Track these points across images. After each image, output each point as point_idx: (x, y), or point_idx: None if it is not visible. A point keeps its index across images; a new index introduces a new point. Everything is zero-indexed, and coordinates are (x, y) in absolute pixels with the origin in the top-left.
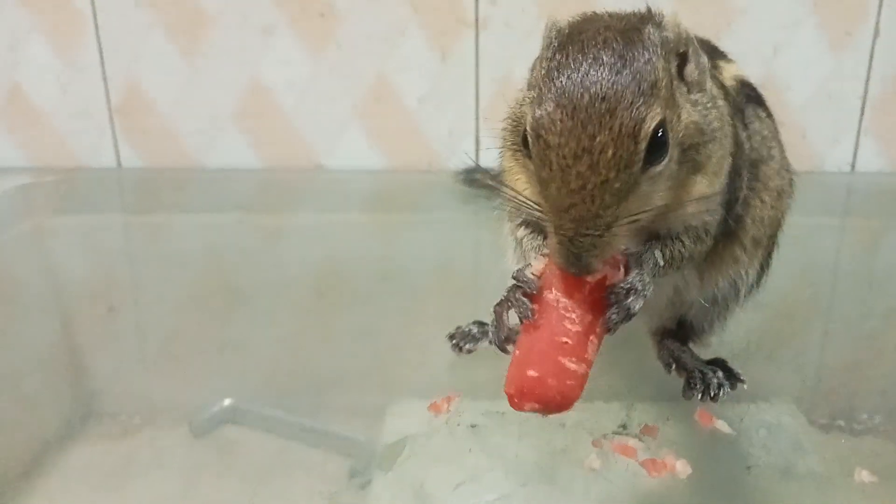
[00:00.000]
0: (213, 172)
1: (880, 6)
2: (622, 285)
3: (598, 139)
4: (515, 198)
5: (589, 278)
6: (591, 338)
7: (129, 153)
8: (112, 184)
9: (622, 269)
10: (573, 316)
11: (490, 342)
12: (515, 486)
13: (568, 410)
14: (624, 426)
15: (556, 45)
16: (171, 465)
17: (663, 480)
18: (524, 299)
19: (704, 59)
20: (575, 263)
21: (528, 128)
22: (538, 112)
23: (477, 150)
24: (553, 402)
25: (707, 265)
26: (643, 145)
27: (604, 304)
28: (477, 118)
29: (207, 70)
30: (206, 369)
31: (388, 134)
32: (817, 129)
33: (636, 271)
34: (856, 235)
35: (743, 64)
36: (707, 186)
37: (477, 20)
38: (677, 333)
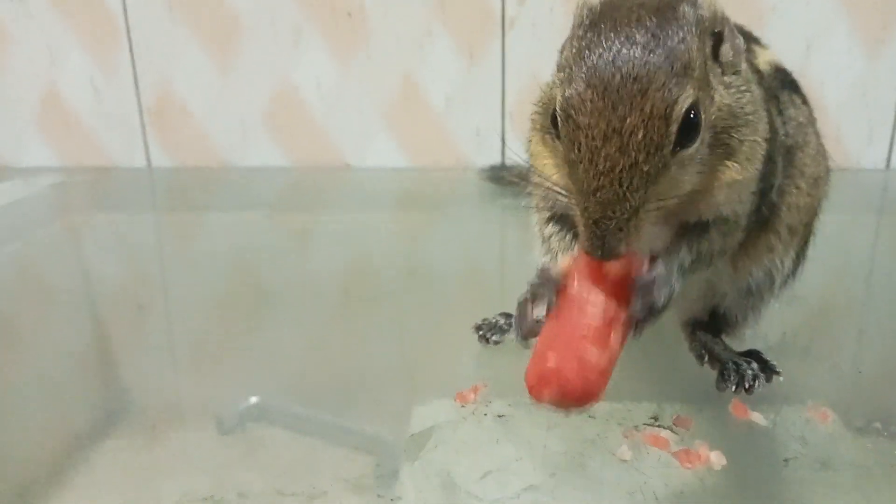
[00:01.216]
0: (243, 172)
1: None
2: (646, 277)
3: (628, 120)
4: (543, 183)
5: (613, 270)
6: (615, 327)
7: (159, 154)
8: (143, 183)
9: (646, 263)
10: (596, 303)
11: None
12: (544, 475)
13: (588, 404)
14: (656, 418)
15: (587, 23)
16: (199, 462)
17: (697, 472)
18: (549, 288)
19: (740, 41)
20: (600, 246)
21: (557, 108)
22: (568, 92)
23: (503, 149)
24: (572, 389)
25: (741, 254)
26: (674, 127)
27: (629, 297)
28: (503, 117)
29: (238, 72)
30: (233, 367)
31: (416, 134)
32: (852, 128)
33: (662, 264)
34: (892, 233)
35: None
36: (739, 172)
37: (504, 20)
38: (710, 325)
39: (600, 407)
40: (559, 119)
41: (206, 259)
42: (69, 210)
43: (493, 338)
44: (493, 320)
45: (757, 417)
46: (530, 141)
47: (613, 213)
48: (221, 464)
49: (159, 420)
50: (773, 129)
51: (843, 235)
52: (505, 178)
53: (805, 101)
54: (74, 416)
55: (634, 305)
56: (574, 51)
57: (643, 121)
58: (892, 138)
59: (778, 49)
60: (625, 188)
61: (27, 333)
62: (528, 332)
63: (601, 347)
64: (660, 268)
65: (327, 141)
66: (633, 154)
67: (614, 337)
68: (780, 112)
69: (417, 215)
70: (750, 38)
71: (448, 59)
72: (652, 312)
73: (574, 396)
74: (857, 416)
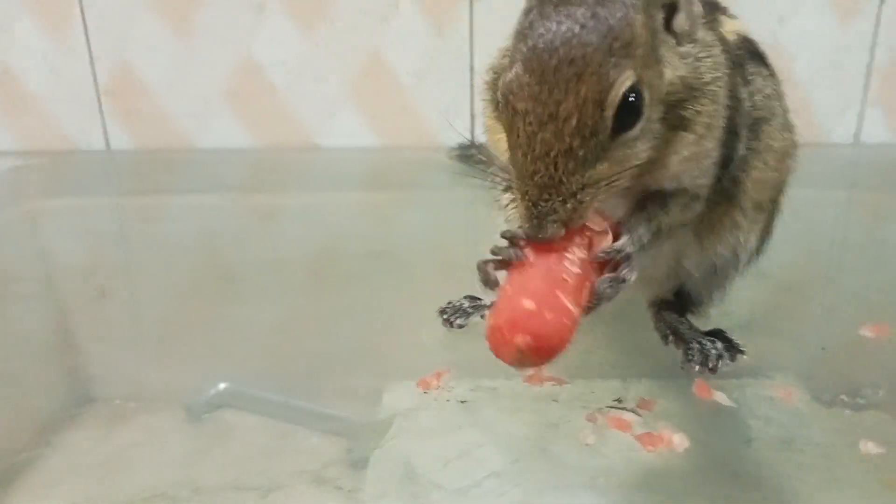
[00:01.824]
0: (205, 153)
1: None
2: (616, 248)
3: (563, 106)
4: (496, 159)
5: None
6: (585, 283)
7: (119, 135)
8: (103, 166)
9: (610, 235)
10: (574, 258)
11: (482, 316)
12: (507, 462)
13: (553, 357)
14: (619, 400)
15: (534, 1)
16: (168, 449)
17: (660, 454)
18: (512, 246)
19: (697, 7)
20: (537, 229)
21: (499, 92)
22: (509, 75)
23: (472, 126)
24: (546, 339)
25: (706, 231)
26: (610, 112)
27: (594, 265)
28: (472, 94)
29: (198, 49)
30: (201, 352)
31: (383, 111)
32: (823, 101)
33: (626, 237)
34: (861, 208)
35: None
36: (696, 143)
37: None
38: (675, 304)
39: (564, 390)
40: (500, 103)
41: (171, 243)
42: (27, 195)
43: (458, 321)
44: (458, 303)
45: (720, 397)
46: (485, 113)
47: (550, 196)
48: (190, 451)
49: (126, 408)
50: (737, 99)
51: (813, 211)
52: (474, 157)
53: (772, 74)
54: (36, 405)
55: (602, 282)
56: (518, 29)
57: (577, 106)
58: (861, 112)
59: (750, 21)
60: (560, 173)
61: None
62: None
63: (576, 299)
64: (625, 241)
65: (292, 119)
66: (568, 140)
67: (584, 291)
68: (747, 83)
69: (385, 196)
70: (717, 8)
71: (415, 33)
72: (617, 289)
73: (546, 342)
74: (825, 390)
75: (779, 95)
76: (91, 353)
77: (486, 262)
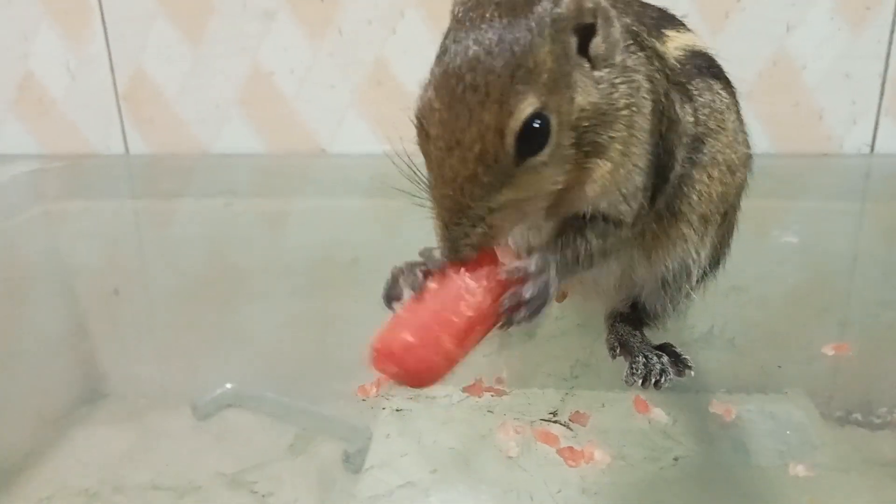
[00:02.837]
0: (218, 158)
1: None
2: (517, 265)
3: (467, 133)
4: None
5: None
6: (477, 327)
7: (136, 140)
8: (120, 170)
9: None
10: (471, 300)
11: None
12: (424, 472)
13: (420, 387)
14: (555, 413)
15: (453, 22)
16: (175, 446)
17: (581, 470)
18: (418, 273)
19: (615, 31)
20: (450, 250)
21: (415, 113)
22: (423, 98)
23: None
24: (413, 374)
25: (654, 244)
26: (511, 139)
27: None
28: None
29: (211, 57)
30: (209, 353)
31: (389, 118)
32: (834, 110)
33: (534, 258)
34: (875, 220)
35: (755, 42)
36: (611, 170)
37: None
38: (631, 317)
39: (501, 401)
40: (415, 126)
41: (183, 246)
42: (46, 197)
43: None
44: None
45: (658, 414)
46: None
47: (459, 220)
48: (196, 449)
49: (136, 405)
50: (671, 119)
51: (825, 224)
52: None
53: (727, 86)
54: (49, 401)
55: (503, 301)
56: (438, 52)
57: (480, 133)
58: (876, 121)
59: (757, 29)
60: (467, 198)
61: (3, 319)
62: (395, 296)
63: (459, 340)
64: (534, 259)
65: (301, 126)
66: (472, 166)
67: (475, 333)
68: (691, 99)
69: (391, 202)
70: (668, 22)
71: (420, 41)
72: (521, 306)
73: (414, 377)
74: (836, 408)
75: (730, 108)
76: (104, 350)
77: (397, 271)
